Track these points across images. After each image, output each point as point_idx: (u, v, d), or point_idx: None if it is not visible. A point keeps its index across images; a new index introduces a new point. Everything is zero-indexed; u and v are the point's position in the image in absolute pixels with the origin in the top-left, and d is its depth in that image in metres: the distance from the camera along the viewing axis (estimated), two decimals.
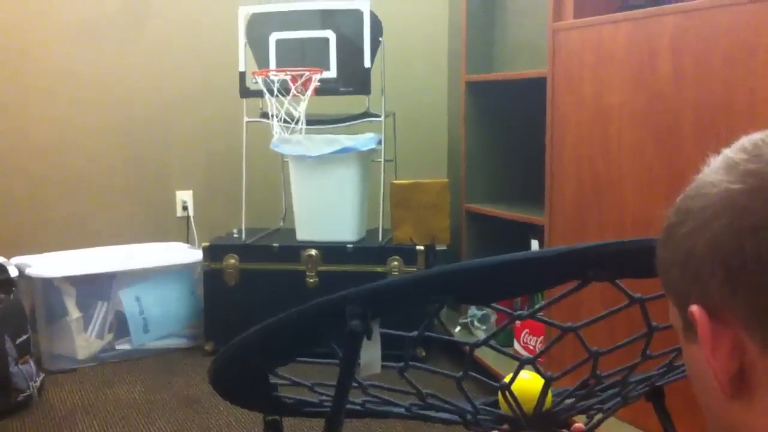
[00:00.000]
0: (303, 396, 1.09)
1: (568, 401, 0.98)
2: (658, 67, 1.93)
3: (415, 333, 0.87)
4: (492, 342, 0.89)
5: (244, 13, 3.05)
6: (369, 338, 0.85)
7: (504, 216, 2.80)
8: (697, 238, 0.54)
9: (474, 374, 0.94)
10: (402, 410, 1.04)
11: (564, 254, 0.80)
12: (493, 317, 2.90)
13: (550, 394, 0.95)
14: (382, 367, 0.88)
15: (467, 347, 0.88)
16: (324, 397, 1.07)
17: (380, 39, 3.06)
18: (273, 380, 1.01)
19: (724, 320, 0.53)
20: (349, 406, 1.00)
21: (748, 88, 1.71)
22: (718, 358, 0.53)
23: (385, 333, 0.86)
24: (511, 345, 2.65)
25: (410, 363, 0.90)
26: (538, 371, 0.90)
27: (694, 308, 0.54)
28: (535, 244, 2.59)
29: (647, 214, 1.99)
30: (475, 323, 2.94)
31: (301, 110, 2.92)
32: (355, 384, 0.95)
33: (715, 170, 0.56)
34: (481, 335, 2.92)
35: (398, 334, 0.87)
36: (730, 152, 0.57)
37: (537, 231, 2.53)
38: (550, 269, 0.81)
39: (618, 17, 2.06)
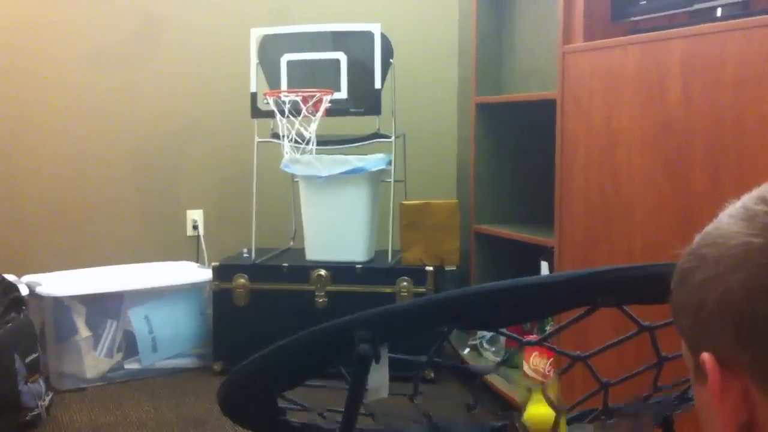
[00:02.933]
0: (311, 420, 1.08)
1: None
2: (668, 92, 1.93)
3: (424, 357, 0.87)
4: (500, 370, 0.89)
5: (256, 34, 3.08)
6: (377, 362, 0.85)
7: (513, 237, 2.80)
8: (709, 290, 0.53)
9: (484, 401, 0.94)
10: None
11: (572, 280, 0.80)
12: (503, 338, 2.88)
13: (563, 423, 0.95)
14: (391, 392, 0.88)
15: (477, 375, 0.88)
16: (332, 424, 1.07)
17: (391, 60, 3.08)
18: (281, 404, 1.01)
19: (734, 371, 0.52)
20: None
21: (758, 114, 1.71)
22: (726, 407, 0.52)
23: (394, 356, 0.86)
24: (520, 367, 2.64)
25: (419, 391, 0.90)
26: (550, 402, 0.90)
27: (705, 357, 0.53)
28: (545, 267, 2.58)
29: (657, 239, 1.99)
30: (484, 345, 2.93)
31: (311, 131, 2.93)
32: (364, 411, 0.95)
33: (734, 220, 0.55)
34: (490, 357, 2.91)
35: (407, 358, 0.87)
36: (749, 201, 0.55)
37: (547, 253, 2.53)
38: (559, 295, 0.81)
39: (627, 41, 2.06)
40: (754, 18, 1.75)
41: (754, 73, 1.71)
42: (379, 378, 0.86)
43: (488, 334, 2.92)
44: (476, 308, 0.81)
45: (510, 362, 2.69)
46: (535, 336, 2.89)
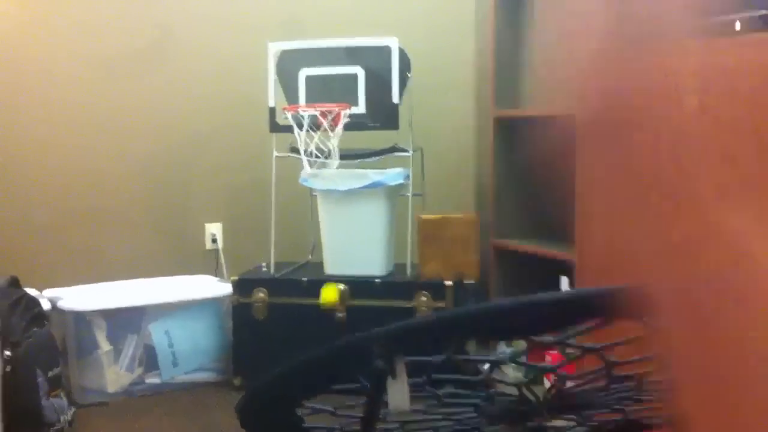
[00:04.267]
0: (329, 425, 1.10)
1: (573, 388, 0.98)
2: (686, 104, 1.92)
3: (440, 358, 0.88)
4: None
5: (274, 49, 3.10)
6: (393, 377, 0.86)
7: (533, 252, 2.79)
8: None
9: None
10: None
11: (588, 296, 0.80)
12: (524, 357, 2.86)
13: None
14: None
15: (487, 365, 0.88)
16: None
17: (408, 74, 3.09)
18: (301, 412, 1.03)
19: None
20: None
21: None
22: None
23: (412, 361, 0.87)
24: (542, 384, 2.62)
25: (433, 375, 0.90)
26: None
27: None
28: (564, 282, 2.57)
29: None
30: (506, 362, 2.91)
31: (333, 146, 2.94)
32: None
33: None
34: (511, 374, 2.89)
35: (421, 359, 0.88)
36: None
37: (566, 268, 2.52)
38: (574, 310, 0.81)
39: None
40: None
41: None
42: (398, 391, 0.87)
43: (509, 351, 2.90)
44: (490, 322, 0.82)
45: (535, 381, 2.67)
46: (557, 354, 2.88)
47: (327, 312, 2.99)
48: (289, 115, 2.98)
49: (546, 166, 3.07)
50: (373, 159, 3.12)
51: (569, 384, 0.98)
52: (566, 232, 2.47)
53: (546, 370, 0.88)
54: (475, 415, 1.06)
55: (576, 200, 2.34)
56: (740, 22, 1.96)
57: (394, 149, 3.16)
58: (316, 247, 3.34)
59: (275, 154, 3.13)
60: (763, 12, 1.90)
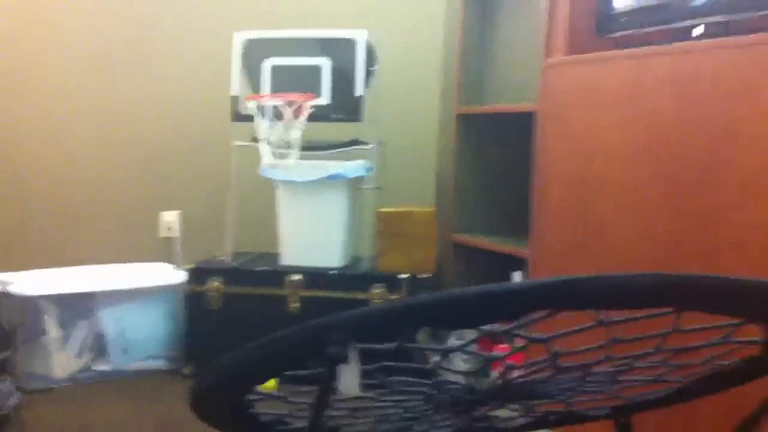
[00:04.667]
0: (279, 410, 1.10)
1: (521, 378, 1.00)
2: (649, 107, 1.95)
3: (391, 346, 0.89)
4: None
5: (239, 38, 3.08)
6: (346, 363, 0.86)
7: (489, 248, 2.81)
8: None
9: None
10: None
11: (535, 287, 0.81)
12: (474, 347, 2.89)
13: None
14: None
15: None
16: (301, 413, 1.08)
17: (374, 68, 3.09)
18: (251, 397, 1.02)
19: None
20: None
21: (739, 130, 1.73)
22: None
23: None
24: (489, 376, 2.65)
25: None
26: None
27: None
28: (516, 277, 2.60)
29: (632, 256, 2.00)
30: (454, 351, 2.93)
31: (294, 137, 2.93)
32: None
33: None
34: (460, 366, 2.91)
35: (373, 347, 0.88)
36: None
37: (522, 264, 2.54)
38: (522, 301, 0.82)
39: (609, 56, 2.08)
40: (733, 38, 1.77)
41: (734, 89, 1.73)
42: (350, 377, 0.87)
43: (458, 343, 2.91)
44: (442, 311, 0.82)
45: (483, 372, 2.69)
46: (506, 347, 2.90)
47: (282, 302, 2.98)
48: (252, 104, 2.96)
49: (507, 162, 3.09)
50: (335, 151, 3.11)
51: (515, 374, 0.99)
52: (526, 229, 2.50)
53: (492, 359, 0.89)
54: (423, 402, 1.06)
55: (533, 196, 2.36)
56: (704, 27, 2.00)
57: (356, 142, 3.15)
58: (276, 237, 3.33)
59: (235, 143, 3.11)
60: (721, 18, 1.93)
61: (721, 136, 1.76)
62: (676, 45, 1.88)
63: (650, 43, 2.05)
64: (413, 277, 3.00)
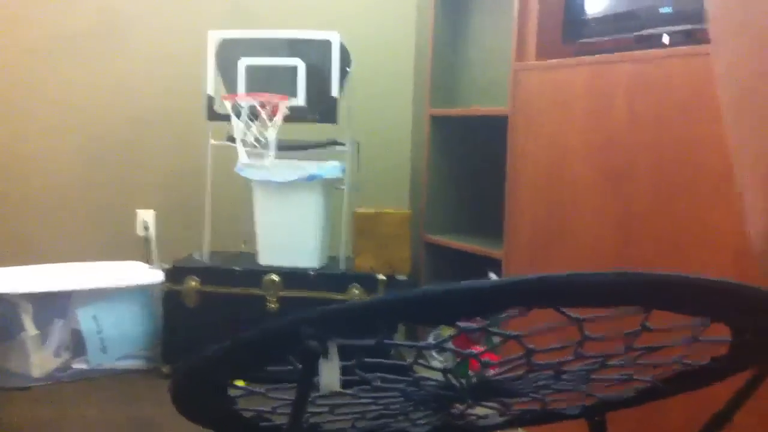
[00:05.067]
0: (261, 407, 1.12)
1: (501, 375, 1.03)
2: (614, 112, 2.01)
3: (370, 342, 0.92)
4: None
5: (214, 37, 3.10)
6: (325, 357, 0.89)
7: (462, 248, 2.86)
8: None
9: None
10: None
11: (509, 284, 0.85)
12: (449, 343, 2.93)
13: None
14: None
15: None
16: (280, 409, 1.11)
17: (348, 69, 3.13)
18: (232, 393, 1.05)
19: None
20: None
21: (699, 135, 1.80)
22: None
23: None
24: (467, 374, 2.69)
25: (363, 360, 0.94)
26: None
27: None
28: (492, 276, 2.65)
29: (601, 253, 2.06)
30: (433, 353, 2.97)
31: (270, 137, 2.96)
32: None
33: None
34: (436, 365, 2.96)
35: (352, 344, 0.91)
36: None
37: (495, 264, 2.60)
38: (496, 298, 0.86)
39: (577, 61, 2.14)
40: (697, 47, 1.84)
41: (695, 97, 1.80)
42: (330, 372, 0.90)
43: (433, 340, 2.96)
44: (419, 308, 0.86)
45: (460, 370, 2.74)
46: (481, 348, 2.96)
47: (259, 302, 3.00)
48: (227, 103, 2.98)
49: (479, 163, 3.15)
50: (311, 151, 3.14)
51: (491, 372, 1.03)
52: (498, 229, 2.55)
53: (468, 356, 0.93)
54: (402, 399, 1.10)
55: (505, 197, 2.42)
56: (668, 36, 2.06)
57: (331, 143, 3.19)
58: (252, 237, 3.35)
59: (211, 142, 3.13)
60: (689, 27, 2.00)
61: (681, 140, 1.82)
62: (638, 52, 1.94)
63: (618, 50, 2.11)
64: (390, 278, 3.04)
